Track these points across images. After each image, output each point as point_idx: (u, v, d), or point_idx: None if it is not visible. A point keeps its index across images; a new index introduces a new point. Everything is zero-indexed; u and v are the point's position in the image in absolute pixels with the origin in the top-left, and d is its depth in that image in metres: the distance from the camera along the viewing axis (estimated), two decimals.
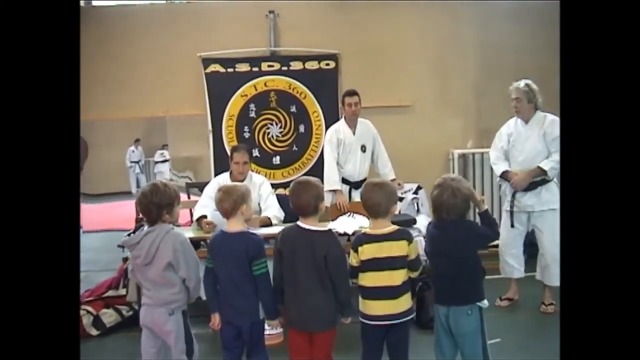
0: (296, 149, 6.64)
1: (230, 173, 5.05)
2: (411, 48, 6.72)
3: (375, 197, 2.94)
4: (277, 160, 6.66)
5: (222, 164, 6.28)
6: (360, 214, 4.77)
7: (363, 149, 5.63)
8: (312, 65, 6.61)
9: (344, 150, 5.59)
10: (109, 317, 4.66)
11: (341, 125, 5.64)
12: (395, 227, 2.96)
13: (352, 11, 6.68)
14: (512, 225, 4.86)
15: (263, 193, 5.03)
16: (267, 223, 4.75)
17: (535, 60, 6.27)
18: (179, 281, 3.02)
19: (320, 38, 6.63)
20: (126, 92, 6.74)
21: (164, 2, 6.95)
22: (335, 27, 6.70)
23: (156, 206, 2.99)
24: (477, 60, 6.73)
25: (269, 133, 6.66)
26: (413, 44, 6.72)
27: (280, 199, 5.04)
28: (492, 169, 6.52)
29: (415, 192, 5.75)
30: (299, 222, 3.01)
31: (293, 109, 6.63)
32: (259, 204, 4.94)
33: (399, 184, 5.67)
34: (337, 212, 5.25)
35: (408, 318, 2.94)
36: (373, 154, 5.73)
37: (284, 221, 4.81)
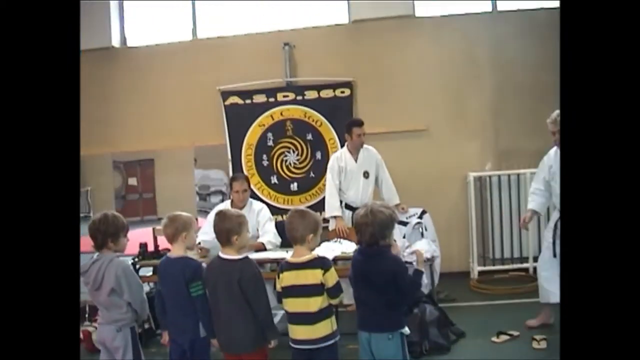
0: (313, 175, 6.80)
1: (232, 201, 5.29)
2: (425, 71, 6.75)
3: (293, 224, 3.04)
4: (294, 186, 6.84)
5: None
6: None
7: (366, 175, 5.72)
8: (327, 93, 6.78)
9: (346, 177, 5.70)
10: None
11: (343, 153, 5.77)
12: (313, 255, 3.04)
13: (365, 38, 6.84)
14: (555, 256, 4.51)
15: (261, 219, 5.23)
16: (261, 248, 4.94)
17: (552, 76, 6.10)
18: (125, 303, 3.27)
19: (335, 66, 6.81)
20: (154, 125, 7.18)
21: (189, 39, 7.32)
22: (349, 55, 6.86)
23: (102, 234, 3.26)
24: (492, 80, 6.66)
25: (286, 160, 6.86)
26: (426, 67, 6.75)
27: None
28: (510, 192, 6.52)
29: (420, 217, 5.75)
30: (219, 253, 3.18)
31: (309, 137, 6.81)
32: (257, 230, 5.17)
33: (403, 208, 5.73)
34: (335, 237, 5.36)
35: (327, 343, 2.99)
36: (377, 180, 5.80)
37: (282, 246, 4.99)
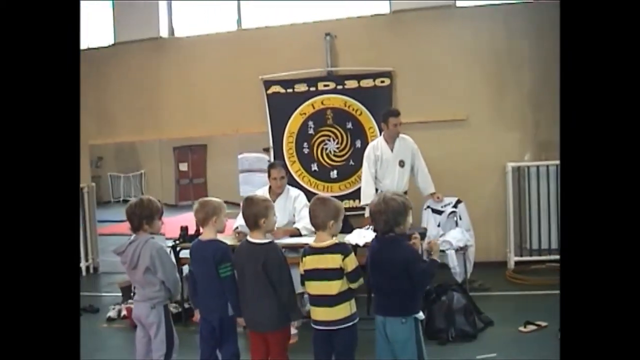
0: (352, 163, 6.91)
1: (270, 187, 5.48)
2: (465, 61, 6.76)
3: (315, 211, 3.21)
4: (334, 174, 6.98)
5: None
6: None
7: (401, 164, 5.82)
8: (367, 83, 6.87)
9: (382, 166, 5.82)
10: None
11: (380, 142, 5.88)
12: (334, 241, 3.19)
13: (405, 28, 6.89)
14: None
15: (297, 205, 5.40)
16: (296, 233, 5.11)
17: None
18: (159, 281, 3.48)
19: (375, 56, 6.89)
20: (201, 112, 7.44)
21: (234, 30, 7.53)
22: (389, 45, 6.93)
23: (138, 217, 3.48)
24: (533, 71, 6.62)
25: (326, 149, 7.01)
26: (467, 57, 6.76)
27: None
28: (548, 182, 6.49)
29: (455, 206, 5.81)
30: (248, 236, 3.36)
31: (349, 126, 6.93)
32: (294, 215, 5.36)
33: (438, 197, 5.82)
34: (369, 224, 5.49)
35: (345, 325, 3.13)
36: (413, 168, 5.89)
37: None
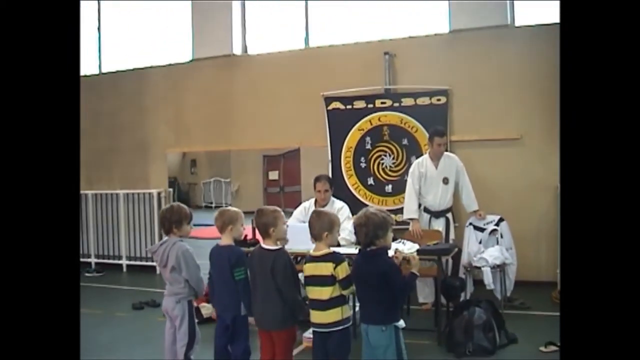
0: (407, 178, 7.10)
1: (315, 200, 5.82)
2: (521, 80, 6.78)
3: (312, 223, 3.51)
4: (389, 188, 7.21)
5: (339, 191, 7.07)
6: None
7: (445, 181, 5.99)
8: (423, 101, 7.06)
9: (426, 183, 6.01)
10: (206, 309, 5.67)
11: (425, 159, 6.08)
12: (328, 250, 3.47)
13: (463, 47, 7.01)
14: None
15: (340, 217, 5.68)
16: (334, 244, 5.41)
17: None
18: (183, 280, 3.91)
19: (433, 74, 7.06)
20: (267, 125, 7.92)
21: (302, 48, 7.95)
22: (447, 64, 7.08)
23: (168, 221, 3.94)
24: None
25: (382, 163, 7.25)
26: (523, 77, 6.77)
27: None
28: None
29: (497, 224, 5.88)
30: (261, 243, 3.70)
31: (405, 142, 7.14)
32: None
33: (480, 215, 5.92)
34: (411, 238, 5.68)
35: (337, 328, 3.40)
36: (457, 186, 6.03)
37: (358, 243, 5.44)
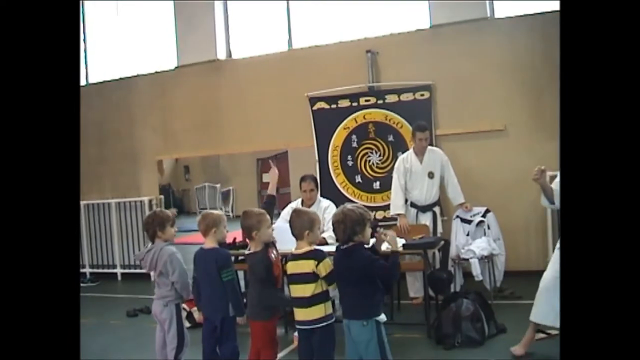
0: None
1: (302, 199, 5.86)
2: (503, 72, 6.82)
3: (292, 222, 3.55)
4: (377, 185, 7.24)
5: (327, 189, 7.13)
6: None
7: (430, 175, 6.03)
8: (407, 97, 7.11)
9: (412, 178, 6.06)
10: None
11: (410, 154, 6.12)
12: (309, 248, 3.50)
13: (444, 41, 7.05)
14: None
15: (327, 216, 5.71)
16: (323, 242, 5.44)
17: None
18: (170, 283, 3.98)
19: (416, 70, 7.10)
20: (255, 128, 7.96)
21: (286, 50, 7.99)
22: (429, 59, 7.12)
23: (151, 226, 4.00)
24: None
25: (369, 161, 7.29)
26: (505, 68, 6.81)
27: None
28: None
29: (483, 216, 5.93)
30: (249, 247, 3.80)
31: (390, 138, 7.18)
32: (324, 225, 5.70)
33: (467, 207, 5.97)
34: (399, 233, 5.72)
35: (320, 325, 3.43)
36: (443, 180, 6.07)
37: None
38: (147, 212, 8.15)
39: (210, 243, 3.92)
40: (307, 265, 3.45)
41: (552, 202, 4.46)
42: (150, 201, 8.45)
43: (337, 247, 3.51)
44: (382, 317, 3.35)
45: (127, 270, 8.71)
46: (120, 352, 5.24)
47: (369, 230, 3.39)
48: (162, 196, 8.69)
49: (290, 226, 3.56)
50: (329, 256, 3.52)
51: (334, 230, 3.47)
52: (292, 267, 3.53)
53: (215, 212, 4.03)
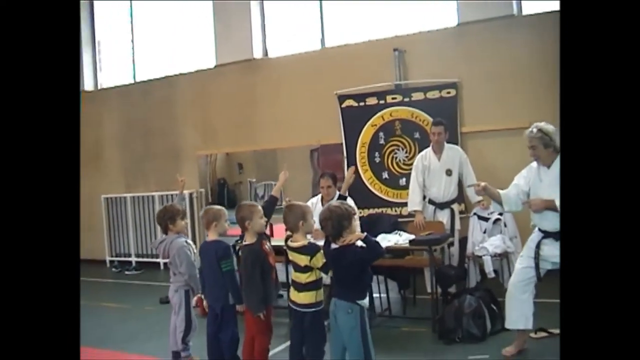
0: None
1: (321, 196, 6.07)
2: (530, 69, 6.77)
3: (285, 217, 3.79)
4: (403, 181, 7.35)
5: (354, 186, 7.25)
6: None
7: (448, 172, 6.11)
8: (433, 94, 7.19)
9: (429, 175, 6.16)
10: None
11: (428, 152, 6.21)
12: (304, 243, 3.72)
13: (471, 39, 7.09)
14: (540, 280, 4.61)
15: None
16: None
17: None
18: (178, 271, 4.34)
19: (442, 68, 7.18)
20: (288, 125, 8.21)
21: (319, 49, 8.20)
22: (456, 56, 7.17)
23: (162, 219, 4.33)
24: None
25: (396, 157, 7.42)
26: (531, 65, 6.75)
27: None
28: None
29: (501, 214, 5.96)
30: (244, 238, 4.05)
31: (417, 135, 7.28)
32: None
33: (483, 205, 6.01)
34: (415, 229, 5.85)
35: (310, 310, 3.66)
36: (462, 177, 6.14)
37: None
38: (188, 205, 8.61)
39: (212, 235, 4.19)
40: (301, 259, 3.71)
41: (502, 206, 4.55)
42: (190, 194, 8.83)
43: (325, 242, 3.63)
44: (365, 302, 3.52)
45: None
46: (145, 337, 5.59)
47: (356, 224, 3.59)
48: (202, 189, 9.05)
49: (285, 221, 3.79)
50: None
51: (322, 228, 3.60)
52: (290, 256, 3.81)
53: (215, 207, 4.30)
